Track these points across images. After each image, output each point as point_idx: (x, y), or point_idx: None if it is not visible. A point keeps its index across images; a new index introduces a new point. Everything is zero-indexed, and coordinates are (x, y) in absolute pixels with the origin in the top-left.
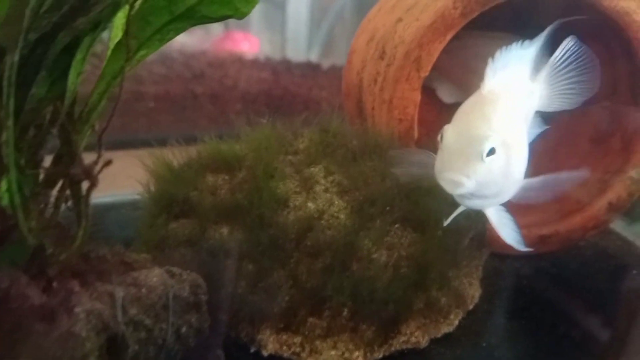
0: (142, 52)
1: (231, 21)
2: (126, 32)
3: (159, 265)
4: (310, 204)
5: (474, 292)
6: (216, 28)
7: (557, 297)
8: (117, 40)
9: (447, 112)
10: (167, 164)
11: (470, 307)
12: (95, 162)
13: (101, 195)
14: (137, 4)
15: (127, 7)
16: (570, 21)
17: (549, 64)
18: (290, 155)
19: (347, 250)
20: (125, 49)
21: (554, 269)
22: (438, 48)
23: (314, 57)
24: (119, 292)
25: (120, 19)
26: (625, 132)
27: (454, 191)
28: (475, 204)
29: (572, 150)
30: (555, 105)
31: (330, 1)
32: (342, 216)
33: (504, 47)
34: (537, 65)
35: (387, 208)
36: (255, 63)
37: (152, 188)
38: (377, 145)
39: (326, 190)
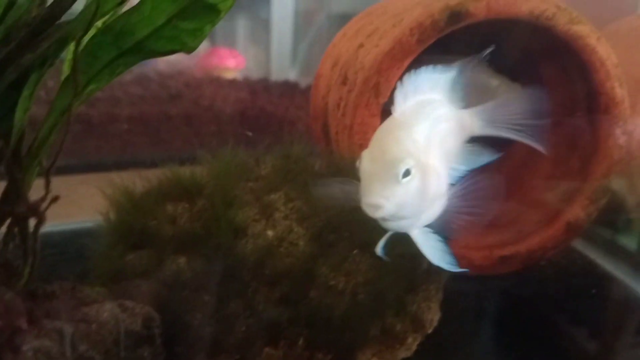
0: (91, 87)
1: (218, 37)
2: (73, 69)
3: (113, 298)
4: (269, 232)
5: (432, 316)
6: (202, 44)
7: (518, 317)
8: (66, 75)
9: None
10: (126, 193)
11: (429, 330)
12: (43, 199)
13: (69, 222)
14: (85, 40)
15: (74, 43)
16: (527, 45)
17: (493, 103)
18: (252, 182)
19: (305, 278)
20: (73, 84)
21: (515, 289)
22: (396, 74)
23: (295, 75)
24: (68, 329)
25: (70, 54)
26: (583, 153)
27: (376, 215)
28: (398, 225)
29: (534, 172)
30: (503, 134)
31: (314, 18)
32: (301, 243)
33: (413, 71)
34: (460, 91)
35: (346, 234)
36: (233, 83)
37: (112, 217)
38: (339, 170)
39: (286, 217)
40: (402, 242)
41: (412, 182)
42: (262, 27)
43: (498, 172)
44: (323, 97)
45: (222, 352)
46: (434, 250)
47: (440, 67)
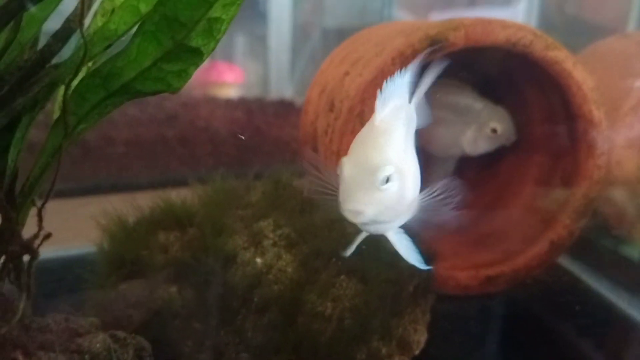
0: (81, 126)
1: (217, 52)
2: (63, 110)
3: (106, 329)
4: (258, 259)
5: (419, 338)
6: None
7: (503, 336)
8: (56, 116)
9: None
10: (119, 222)
11: (417, 352)
12: (36, 236)
13: (66, 248)
14: (74, 83)
15: (63, 86)
16: (507, 68)
17: (423, 88)
18: (241, 210)
19: (293, 305)
20: (64, 125)
21: (502, 308)
22: None
23: (290, 93)
24: None
25: (60, 96)
26: (564, 173)
27: (356, 220)
28: (376, 229)
29: (518, 191)
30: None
31: (310, 33)
32: (289, 270)
33: (389, 79)
34: (411, 90)
35: (333, 260)
36: (228, 103)
37: (105, 246)
38: None
39: (274, 244)
40: (387, 268)
41: (391, 188)
42: (259, 43)
43: (483, 192)
44: (312, 123)
45: None
46: (407, 250)
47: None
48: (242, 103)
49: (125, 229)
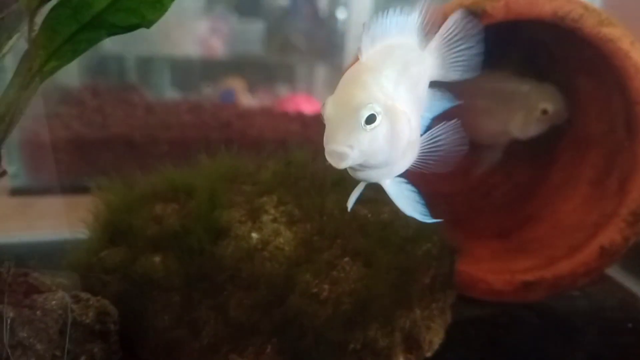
0: (52, 63)
1: (297, 83)
2: (30, 41)
3: (72, 289)
4: (253, 234)
5: (432, 337)
6: (283, 90)
7: (534, 351)
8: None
9: None
10: (120, 192)
11: (428, 353)
12: None
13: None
14: (45, 13)
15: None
16: (564, 57)
17: (439, 34)
18: (247, 186)
19: (285, 284)
20: (29, 59)
21: (537, 319)
22: None
23: None
24: (8, 313)
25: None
26: (621, 172)
27: (339, 165)
28: (367, 176)
29: (572, 192)
30: (450, 76)
31: None
32: (287, 248)
33: (378, 14)
34: (423, 34)
35: (339, 240)
36: (285, 115)
37: (101, 216)
38: (342, 179)
39: (274, 220)
40: (398, 253)
41: (379, 128)
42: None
43: (533, 196)
44: None
45: (185, 356)
46: (406, 201)
47: (405, 9)
48: (299, 116)
49: (123, 199)
